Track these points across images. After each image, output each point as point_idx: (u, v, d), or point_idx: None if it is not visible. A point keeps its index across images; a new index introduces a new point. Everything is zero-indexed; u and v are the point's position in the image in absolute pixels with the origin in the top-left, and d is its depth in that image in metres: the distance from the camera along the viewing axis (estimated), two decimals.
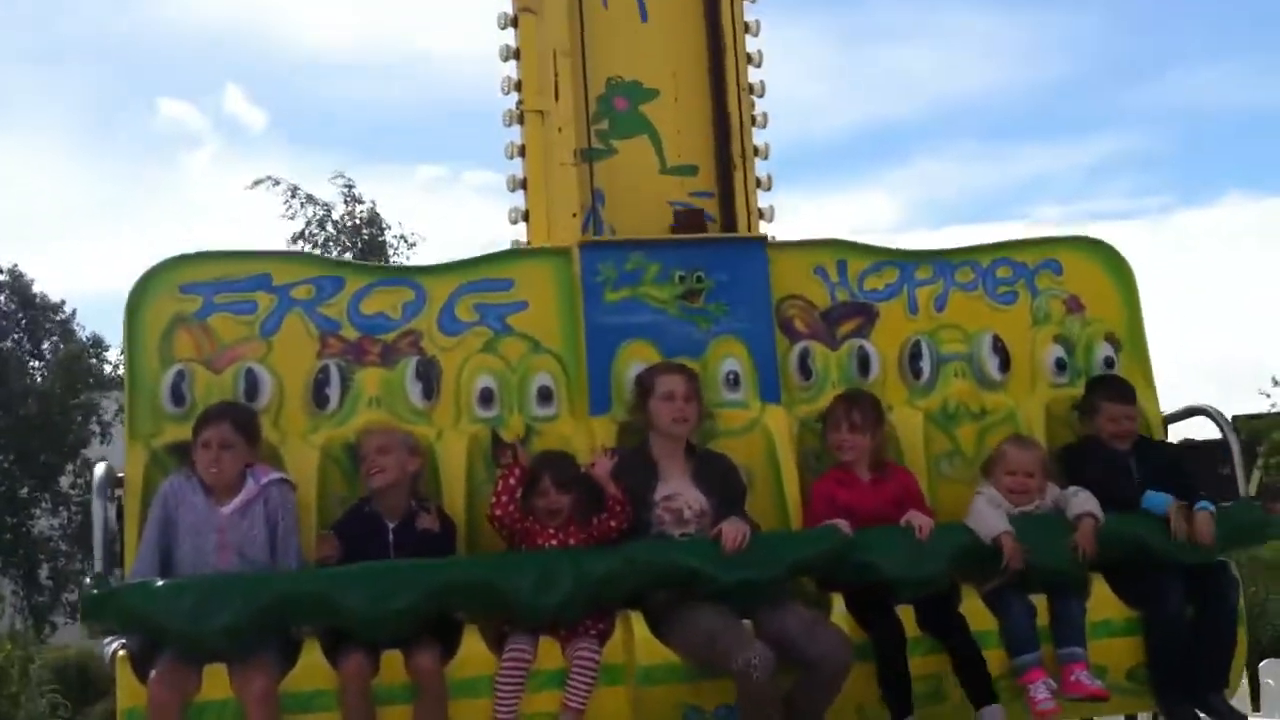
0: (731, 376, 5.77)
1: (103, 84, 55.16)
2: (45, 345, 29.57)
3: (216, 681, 4.80)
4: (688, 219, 6.08)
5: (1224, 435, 5.96)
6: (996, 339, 6.13)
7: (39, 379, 28.92)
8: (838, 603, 5.30)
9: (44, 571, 28.25)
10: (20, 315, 29.16)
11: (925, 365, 6.05)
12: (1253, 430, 24.34)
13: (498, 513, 5.18)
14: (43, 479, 28.46)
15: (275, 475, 5.21)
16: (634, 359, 5.67)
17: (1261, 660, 6.79)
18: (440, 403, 5.60)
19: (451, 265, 5.77)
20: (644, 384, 5.51)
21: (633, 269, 5.76)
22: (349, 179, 23.75)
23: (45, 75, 51.21)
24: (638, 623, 5.10)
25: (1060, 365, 6.19)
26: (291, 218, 22.90)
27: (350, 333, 5.58)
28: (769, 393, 5.80)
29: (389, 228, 23.83)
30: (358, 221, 23.52)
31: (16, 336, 28.84)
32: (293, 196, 23.14)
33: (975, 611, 5.42)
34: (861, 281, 6.10)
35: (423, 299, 5.67)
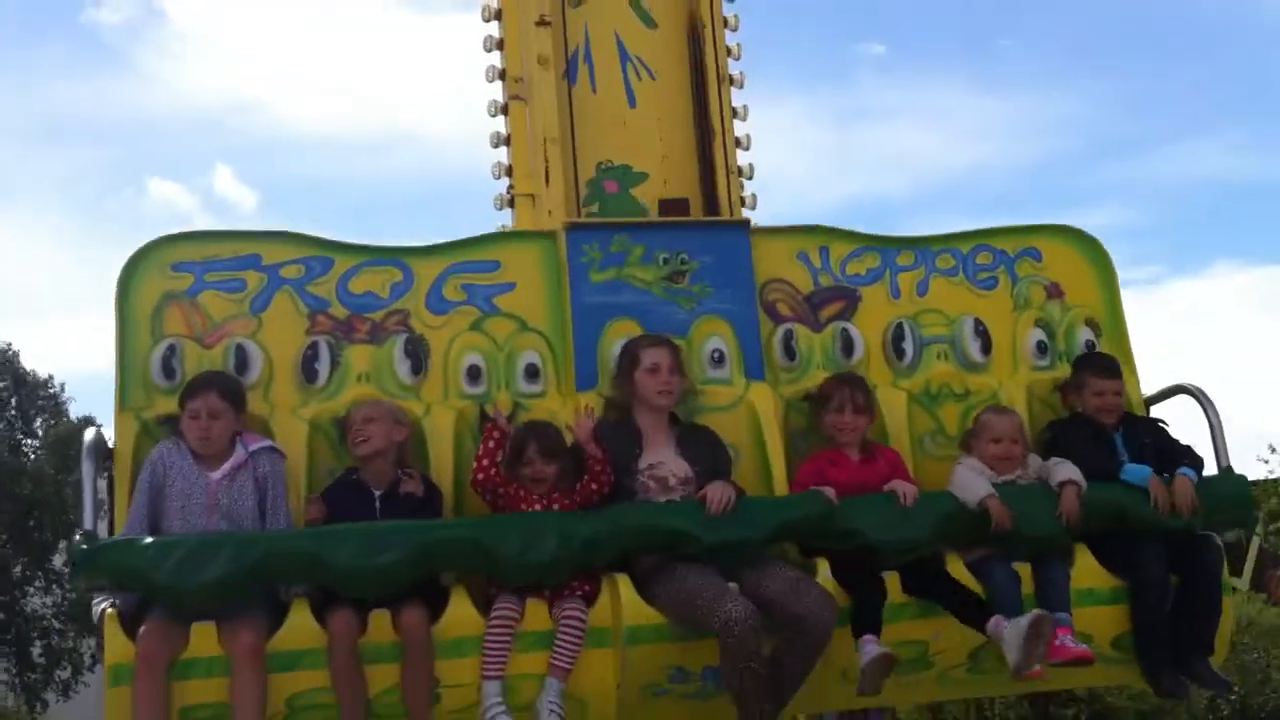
0: (716, 354, 5.84)
1: (95, 164, 55.82)
2: (38, 423, 29.57)
3: (205, 639, 4.82)
4: (672, 207, 6.19)
5: (1205, 412, 6.00)
6: (978, 323, 6.21)
7: (32, 457, 28.89)
8: (823, 567, 5.32)
9: (36, 649, 28.06)
10: (11, 395, 29.16)
11: (908, 347, 6.13)
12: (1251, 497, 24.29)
13: (480, 476, 5.22)
14: (36, 557, 28.36)
15: (264, 443, 5.26)
16: (619, 337, 5.73)
17: None
18: (428, 379, 5.66)
19: (440, 247, 5.85)
20: (629, 356, 5.57)
21: (618, 251, 5.85)
22: None
23: (37, 154, 51.85)
24: (624, 585, 5.13)
25: (1041, 348, 6.27)
26: None
27: (339, 311, 5.66)
28: (754, 370, 5.87)
29: None
30: None
31: (10, 415, 28.83)
32: None
33: (960, 580, 5.43)
34: (844, 267, 6.19)
35: (411, 279, 5.76)
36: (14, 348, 29.07)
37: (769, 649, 5.00)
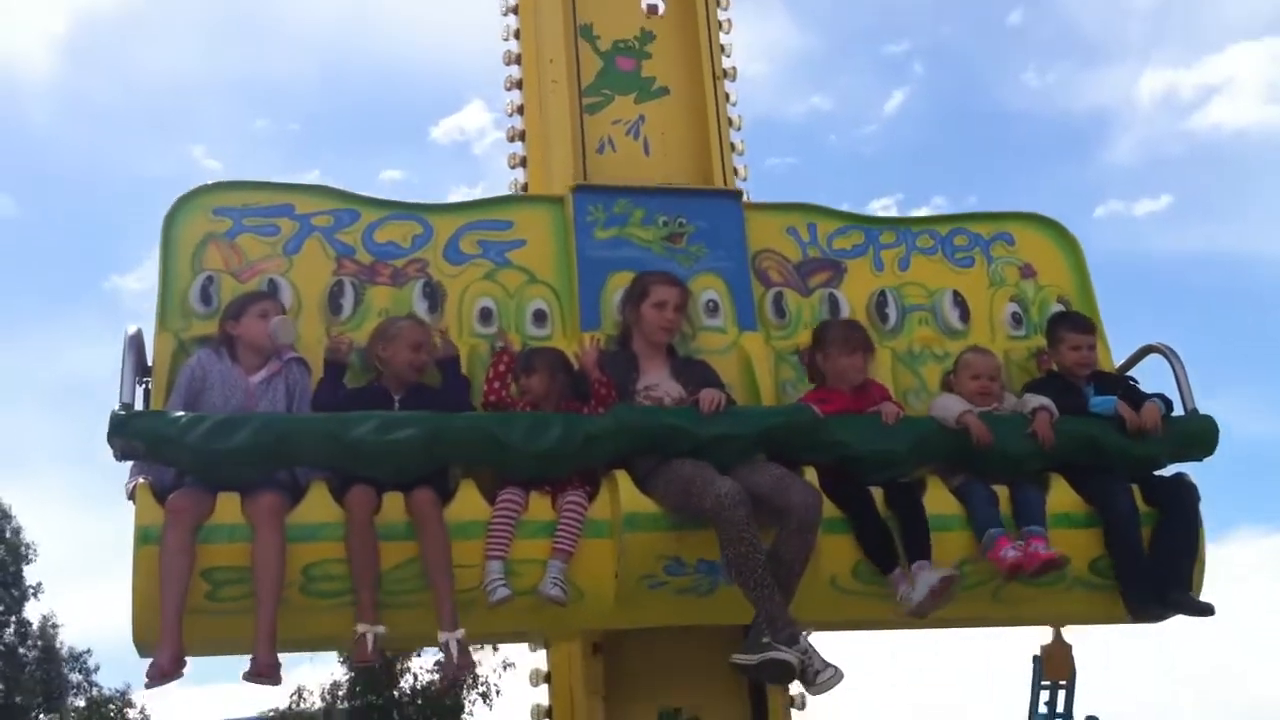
0: (711, 304, 6.28)
1: None
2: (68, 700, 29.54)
3: (229, 506, 5.16)
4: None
5: (1173, 367, 6.32)
6: (957, 294, 6.67)
7: None
8: (809, 473, 5.60)
9: None
10: (40, 670, 29.22)
11: (891, 312, 6.57)
12: None
13: (491, 399, 5.60)
14: None
15: (296, 354, 5.69)
16: (622, 287, 6.18)
17: None
18: (444, 318, 6.10)
19: (458, 205, 6.41)
20: (639, 286, 6.00)
21: (620, 212, 6.37)
22: None
23: (58, 418, 53.45)
24: (623, 478, 5.45)
25: (1016, 319, 6.70)
26: None
27: (364, 257, 6.15)
28: (746, 321, 6.30)
29: None
30: None
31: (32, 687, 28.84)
32: None
33: (943, 499, 5.74)
34: (830, 241, 6.69)
35: (430, 233, 6.27)
36: (56, 617, 29.40)
37: (764, 538, 5.21)
